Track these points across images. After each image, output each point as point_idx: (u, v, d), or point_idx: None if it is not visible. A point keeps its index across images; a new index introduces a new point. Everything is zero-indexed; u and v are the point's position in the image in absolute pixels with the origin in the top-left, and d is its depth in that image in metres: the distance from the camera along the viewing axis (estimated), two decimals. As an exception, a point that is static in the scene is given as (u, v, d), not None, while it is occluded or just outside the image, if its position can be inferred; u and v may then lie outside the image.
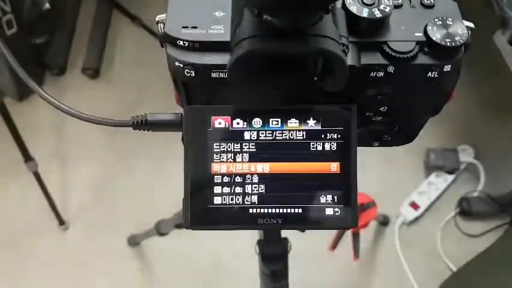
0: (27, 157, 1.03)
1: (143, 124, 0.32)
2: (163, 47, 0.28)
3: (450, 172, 1.22)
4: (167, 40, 0.27)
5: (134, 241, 1.14)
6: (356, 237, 0.99)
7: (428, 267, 1.13)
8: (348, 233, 1.00)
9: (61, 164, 1.28)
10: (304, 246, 0.97)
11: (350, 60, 0.26)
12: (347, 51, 0.25)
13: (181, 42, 0.27)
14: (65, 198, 1.22)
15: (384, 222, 1.16)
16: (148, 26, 1.45)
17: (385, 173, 1.23)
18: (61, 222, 1.17)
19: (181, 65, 0.27)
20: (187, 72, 0.27)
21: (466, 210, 1.18)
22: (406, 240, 1.15)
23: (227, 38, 0.26)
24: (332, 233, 1.01)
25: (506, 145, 1.26)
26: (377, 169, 1.22)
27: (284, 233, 0.54)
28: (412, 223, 1.19)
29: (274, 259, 0.54)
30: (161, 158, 1.23)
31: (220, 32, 0.26)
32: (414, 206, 1.19)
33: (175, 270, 1.13)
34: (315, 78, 0.25)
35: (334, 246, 1.02)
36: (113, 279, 1.12)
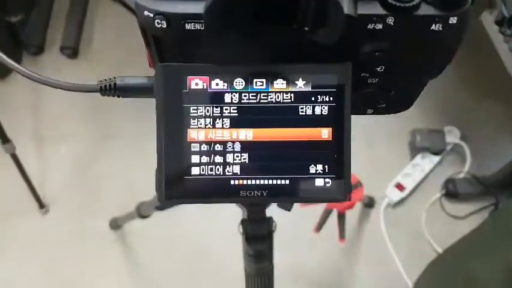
0: (4, 139, 1.00)
1: (111, 89, 0.29)
2: (131, -4, 0.24)
3: (436, 153, 1.21)
4: None
5: (116, 224, 1.11)
6: (341, 218, 0.98)
7: (413, 249, 1.12)
8: (334, 215, 0.98)
9: (40, 146, 1.24)
10: (289, 228, 0.95)
11: (345, 9, 0.23)
12: None
13: None
14: (45, 181, 1.19)
15: (369, 204, 1.15)
16: (128, 3, 1.40)
17: (370, 154, 1.22)
18: (41, 205, 1.14)
19: (151, 15, 0.23)
20: (158, 23, 0.24)
21: (452, 191, 1.17)
22: (391, 222, 1.14)
23: None
24: (317, 214, 1.00)
25: (492, 126, 1.26)
26: (362, 150, 1.21)
27: (269, 212, 0.51)
28: (397, 205, 1.18)
29: (258, 239, 0.51)
30: (142, 137, 1.20)
31: None
32: (399, 187, 1.18)
33: (158, 252, 1.11)
34: (306, 29, 0.22)
35: (319, 227, 1.00)
36: (95, 263, 1.10)
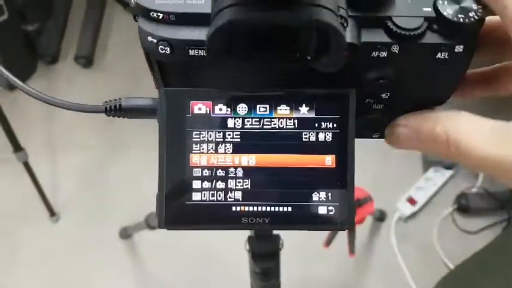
0: (17, 147, 1.01)
1: (116, 110, 0.29)
2: (136, 20, 0.24)
3: (448, 167, 1.20)
4: (139, 12, 0.24)
5: (126, 233, 1.12)
6: (351, 232, 0.97)
7: (424, 264, 1.11)
8: (344, 229, 0.97)
9: (52, 155, 1.26)
10: (298, 242, 0.94)
11: (349, 37, 0.22)
12: (345, 24, 0.22)
13: (155, 14, 0.23)
14: (56, 189, 1.20)
15: (380, 217, 1.14)
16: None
17: (382, 168, 1.21)
18: (52, 213, 1.15)
19: (155, 41, 0.23)
20: (162, 49, 0.24)
21: (464, 206, 1.16)
22: (403, 236, 1.13)
23: (207, 10, 0.22)
24: (327, 229, 0.99)
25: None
26: (374, 163, 1.20)
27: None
28: (409, 219, 1.17)
29: (265, 257, 0.51)
30: (153, 147, 1.20)
31: (200, 2, 0.23)
32: (411, 201, 1.17)
33: (167, 262, 1.11)
34: (309, 58, 0.22)
35: (329, 242, 0.99)
36: (105, 272, 1.10)
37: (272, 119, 0.26)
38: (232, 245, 1.04)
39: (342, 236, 0.98)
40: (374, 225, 1.15)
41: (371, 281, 1.10)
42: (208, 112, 0.26)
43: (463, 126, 0.24)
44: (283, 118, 0.26)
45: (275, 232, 0.50)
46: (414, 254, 1.11)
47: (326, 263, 1.08)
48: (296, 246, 0.90)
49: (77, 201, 1.19)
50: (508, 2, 0.22)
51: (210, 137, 0.26)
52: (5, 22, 1.20)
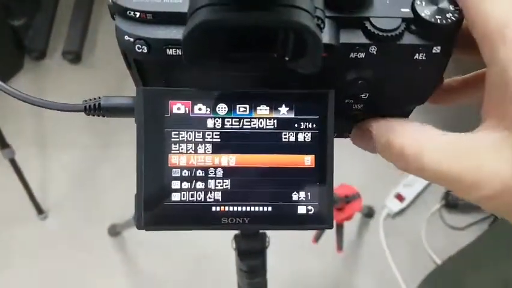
0: (3, 144, 1.00)
1: (96, 109, 0.28)
2: (114, 19, 0.24)
3: (437, 164, 1.20)
4: (116, 10, 0.23)
5: (114, 231, 1.11)
6: (339, 229, 0.97)
7: (412, 260, 1.12)
8: (332, 225, 0.98)
9: (41, 152, 1.24)
10: (287, 238, 0.95)
11: (327, 38, 0.22)
12: (322, 26, 0.22)
13: (132, 13, 0.23)
14: (45, 187, 1.19)
15: (369, 214, 1.15)
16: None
17: (371, 164, 1.21)
18: (40, 211, 1.14)
19: (132, 40, 0.23)
20: (139, 48, 0.23)
21: (452, 202, 1.17)
22: (391, 232, 1.14)
23: (185, 9, 0.22)
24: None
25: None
26: (363, 160, 1.20)
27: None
28: (397, 215, 1.18)
29: (251, 255, 0.51)
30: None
31: (178, 1, 0.23)
32: (399, 197, 1.18)
33: (157, 260, 1.11)
34: (287, 58, 0.22)
35: (317, 238, 1.00)
36: (94, 270, 1.10)
37: (252, 119, 0.26)
38: (222, 242, 1.04)
39: (331, 232, 0.98)
40: (362, 221, 1.16)
41: (360, 277, 1.11)
42: (187, 112, 0.25)
43: (418, 139, 0.23)
44: (263, 118, 0.26)
45: (261, 230, 0.51)
46: (402, 250, 1.12)
47: (315, 259, 1.09)
48: (285, 241, 0.91)
49: (67, 199, 1.18)
50: (471, 2, 0.22)
51: (190, 137, 0.25)
52: (-10, 17, 1.19)
